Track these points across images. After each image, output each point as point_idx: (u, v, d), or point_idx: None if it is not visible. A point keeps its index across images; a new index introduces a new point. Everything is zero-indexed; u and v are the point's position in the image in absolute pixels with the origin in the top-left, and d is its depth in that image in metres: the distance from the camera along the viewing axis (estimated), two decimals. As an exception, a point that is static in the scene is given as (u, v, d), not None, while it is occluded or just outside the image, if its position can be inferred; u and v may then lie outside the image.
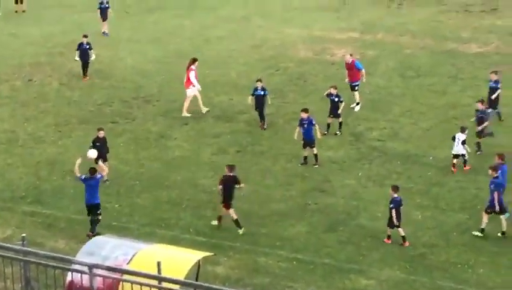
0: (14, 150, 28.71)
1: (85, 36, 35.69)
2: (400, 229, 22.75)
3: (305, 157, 27.79)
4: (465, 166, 26.93)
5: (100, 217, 23.02)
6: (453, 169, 26.78)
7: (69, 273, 13.77)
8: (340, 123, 30.09)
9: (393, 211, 22.67)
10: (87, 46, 35.45)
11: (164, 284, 12.46)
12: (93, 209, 22.98)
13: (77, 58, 35.44)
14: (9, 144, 29.10)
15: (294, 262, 22.09)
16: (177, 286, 12.91)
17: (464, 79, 35.37)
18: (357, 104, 32.02)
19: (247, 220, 24.18)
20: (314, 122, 27.91)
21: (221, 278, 21.02)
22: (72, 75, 36.36)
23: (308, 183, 26.40)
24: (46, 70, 36.97)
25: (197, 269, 18.14)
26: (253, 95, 30.57)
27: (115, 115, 31.83)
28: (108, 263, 14.94)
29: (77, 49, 35.48)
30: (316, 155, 27.71)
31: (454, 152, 26.84)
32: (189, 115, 31.64)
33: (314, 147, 27.74)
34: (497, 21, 44.10)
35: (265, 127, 30.45)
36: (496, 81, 30.34)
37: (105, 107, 32.76)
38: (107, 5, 42.12)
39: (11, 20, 45.62)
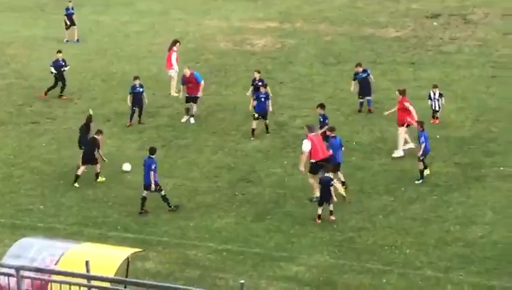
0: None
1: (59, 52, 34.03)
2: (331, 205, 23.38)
3: (253, 131, 28.75)
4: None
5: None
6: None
7: (-4, 277, 13.56)
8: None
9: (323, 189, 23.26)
10: (62, 63, 33.57)
11: (94, 283, 12.37)
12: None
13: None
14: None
15: (224, 253, 22.16)
16: (107, 284, 12.82)
17: (383, 63, 35.90)
18: (191, 116, 30.42)
19: (175, 213, 24.15)
20: (270, 96, 29.24)
21: (152, 274, 20.97)
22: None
23: (234, 174, 26.49)
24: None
25: (127, 266, 18.06)
26: (131, 93, 30.33)
27: (36, 115, 31.40)
28: (35, 265, 14.77)
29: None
30: (267, 126, 29.08)
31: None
32: (177, 94, 31.92)
33: (267, 118, 29.03)
34: (412, 5, 44.79)
35: (142, 123, 30.37)
36: (364, 71, 30.86)
37: (25, 107, 32.30)
38: (72, 11, 40.53)
39: None
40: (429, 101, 29.20)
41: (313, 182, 24.42)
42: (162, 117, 31.05)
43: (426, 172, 25.58)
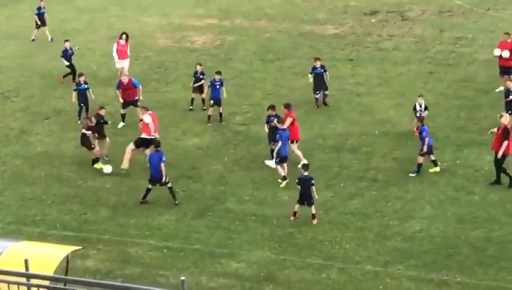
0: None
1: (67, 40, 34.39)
2: (312, 207, 23.18)
3: (209, 117, 29.47)
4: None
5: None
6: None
7: None
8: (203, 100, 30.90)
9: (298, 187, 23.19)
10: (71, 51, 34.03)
11: (33, 281, 12.29)
12: None
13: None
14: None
15: (165, 250, 22.16)
16: (46, 282, 12.73)
17: (323, 60, 36.00)
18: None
19: (115, 211, 24.06)
20: (223, 84, 30.05)
21: (92, 271, 20.89)
22: None
23: (175, 170, 26.42)
24: None
25: (66, 264, 17.93)
26: (75, 90, 30.19)
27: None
28: (-27, 264, 14.57)
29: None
30: (221, 114, 29.75)
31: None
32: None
33: (221, 106, 29.72)
34: (350, 2, 45.17)
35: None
36: (322, 66, 31.17)
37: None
38: (44, 10, 39.74)
39: None
40: (413, 111, 28.14)
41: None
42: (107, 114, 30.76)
43: (435, 169, 25.63)
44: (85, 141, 26.65)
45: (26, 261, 13.13)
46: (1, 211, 24.20)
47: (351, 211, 23.89)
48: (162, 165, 24.14)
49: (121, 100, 29.82)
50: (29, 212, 24.11)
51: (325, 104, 31.16)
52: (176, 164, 26.93)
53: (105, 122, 27.72)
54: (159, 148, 24.54)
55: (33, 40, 39.39)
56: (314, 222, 23.10)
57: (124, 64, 33.46)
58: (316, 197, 23.33)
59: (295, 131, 26.71)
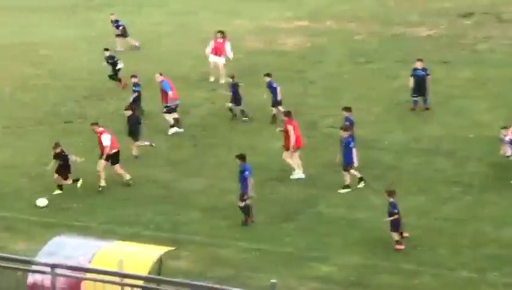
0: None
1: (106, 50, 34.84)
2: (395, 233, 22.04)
3: (274, 116, 29.51)
4: None
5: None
6: None
7: (30, 275, 13.71)
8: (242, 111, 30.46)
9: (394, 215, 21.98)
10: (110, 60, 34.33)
11: (127, 281, 12.44)
12: None
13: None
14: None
15: (255, 253, 22.18)
16: (140, 282, 12.88)
17: (413, 63, 35.68)
18: (171, 126, 29.77)
19: (206, 213, 24.20)
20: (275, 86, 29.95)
21: (183, 272, 21.00)
22: (24, 78, 35.98)
23: (265, 173, 26.39)
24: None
25: (159, 265, 18.12)
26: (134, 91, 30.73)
27: (70, 115, 31.55)
28: (70, 263, 14.86)
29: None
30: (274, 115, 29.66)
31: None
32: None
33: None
34: (444, 3, 44.48)
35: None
36: (424, 69, 30.46)
37: (59, 107, 32.45)
38: (121, 22, 39.17)
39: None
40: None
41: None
42: (192, 117, 31.05)
43: None
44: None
45: (120, 261, 13.34)
46: (97, 211, 24.60)
47: (444, 216, 23.48)
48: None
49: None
50: (123, 213, 24.45)
51: (426, 109, 30.45)
52: (266, 166, 26.90)
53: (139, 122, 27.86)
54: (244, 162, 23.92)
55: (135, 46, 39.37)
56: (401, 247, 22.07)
57: (216, 59, 34.15)
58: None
59: (297, 139, 26.09)
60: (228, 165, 26.98)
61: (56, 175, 25.56)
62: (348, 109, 27.42)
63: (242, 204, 23.44)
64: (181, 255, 21.79)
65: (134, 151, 27.72)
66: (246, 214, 23.50)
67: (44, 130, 29.66)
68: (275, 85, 30.15)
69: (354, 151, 25.22)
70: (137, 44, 39.19)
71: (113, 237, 21.29)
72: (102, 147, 26.02)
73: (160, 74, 30.35)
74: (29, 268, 12.23)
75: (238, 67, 36.31)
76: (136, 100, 30.64)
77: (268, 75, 30.51)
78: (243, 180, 23.46)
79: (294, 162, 26.15)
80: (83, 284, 14.80)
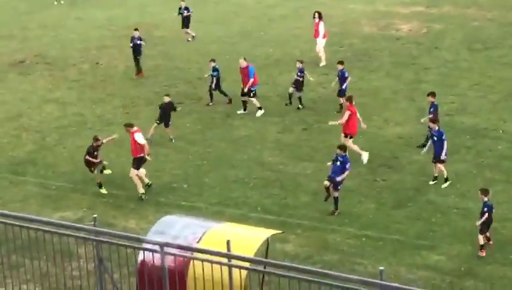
0: (83, 132, 29.02)
1: (136, 29, 34.79)
2: (481, 236, 21.04)
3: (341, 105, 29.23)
4: None
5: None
6: None
7: (141, 252, 13.90)
8: (300, 98, 30.20)
9: (486, 215, 20.92)
10: (139, 41, 34.32)
11: (234, 262, 12.49)
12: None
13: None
14: (78, 127, 29.44)
15: (363, 239, 21.98)
16: (247, 264, 12.91)
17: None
18: (259, 108, 30.11)
19: (314, 197, 24.13)
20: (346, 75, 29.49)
21: (290, 256, 21.02)
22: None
23: (375, 159, 26.18)
24: (112, 53, 37.30)
25: (266, 247, 18.15)
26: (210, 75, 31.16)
27: (181, 96, 31.95)
28: (178, 242, 15.03)
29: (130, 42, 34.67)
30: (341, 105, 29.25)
31: None
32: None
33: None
34: None
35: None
36: None
37: (171, 88, 32.89)
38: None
39: (75, 4, 46.09)
40: None
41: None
42: (305, 101, 30.94)
43: None
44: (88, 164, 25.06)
45: (228, 242, 13.39)
46: (205, 192, 24.84)
47: (560, 208, 22.74)
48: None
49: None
50: (231, 195, 24.61)
51: None
52: (377, 152, 26.66)
53: (174, 109, 28.05)
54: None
55: (188, 40, 38.55)
56: (490, 243, 21.29)
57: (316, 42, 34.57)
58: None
59: (352, 125, 25.73)
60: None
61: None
62: (433, 95, 26.60)
63: (336, 194, 23.22)
64: (288, 239, 21.79)
65: (171, 134, 28.07)
66: (336, 204, 23.24)
67: (155, 110, 30.03)
68: (346, 74, 29.62)
69: (445, 144, 24.34)
70: (194, 34, 38.56)
71: (221, 218, 21.48)
72: (136, 147, 24.58)
73: (245, 59, 30.31)
74: (139, 246, 12.40)
75: (352, 51, 36.07)
76: (217, 84, 30.95)
77: (341, 62, 30.00)
78: (341, 170, 23.15)
79: (353, 147, 25.78)
80: (191, 263, 14.95)
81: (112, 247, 12.43)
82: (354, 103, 26.15)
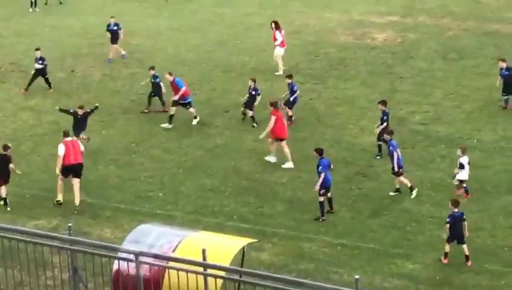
0: (58, 140, 28.82)
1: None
2: (464, 246, 21.08)
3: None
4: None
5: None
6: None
7: (116, 262, 13.85)
8: (253, 117, 29.81)
9: (448, 226, 20.95)
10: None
11: (210, 271, 12.48)
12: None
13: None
14: (53, 135, 29.28)
15: (339, 247, 22.04)
16: (222, 273, 12.90)
17: (509, 60, 34.91)
18: (194, 117, 30.08)
19: (290, 206, 24.16)
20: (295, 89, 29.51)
21: (266, 265, 21.03)
22: (112, 65, 36.50)
23: (351, 168, 26.28)
24: (87, 62, 37.18)
25: (242, 256, 18.15)
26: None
27: (157, 104, 31.86)
28: (154, 251, 14.98)
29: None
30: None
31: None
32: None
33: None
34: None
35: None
36: (509, 68, 29.84)
37: (146, 96, 32.77)
38: (114, 27, 36.93)
39: (51, 12, 45.91)
40: None
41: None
42: (280, 109, 30.92)
43: None
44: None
45: (204, 250, 13.36)
46: (181, 200, 24.80)
47: (535, 217, 22.92)
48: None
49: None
50: (207, 203, 24.58)
51: None
52: (352, 161, 26.77)
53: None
54: (322, 157, 23.71)
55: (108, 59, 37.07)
56: (469, 264, 21.05)
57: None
58: (466, 235, 21.15)
59: (279, 129, 26.35)
60: (314, 158, 26.85)
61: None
62: (383, 103, 26.96)
63: (320, 199, 23.32)
64: (264, 248, 21.80)
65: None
66: (321, 210, 23.31)
67: (131, 119, 30.02)
68: (295, 88, 29.69)
69: (395, 155, 24.40)
70: (124, 53, 37.28)
71: (197, 226, 21.45)
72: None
73: (170, 74, 30.22)
74: (114, 255, 12.36)
75: (328, 60, 36.17)
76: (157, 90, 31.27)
77: (289, 76, 30.05)
78: (319, 175, 23.31)
79: (273, 149, 26.62)
80: (167, 272, 14.92)
81: (86, 256, 12.38)
82: (279, 108, 26.83)
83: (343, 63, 35.91)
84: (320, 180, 23.28)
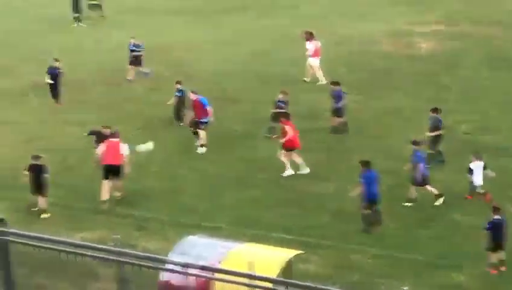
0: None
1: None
2: (502, 252, 20.95)
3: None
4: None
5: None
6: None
7: (162, 273, 13.80)
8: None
9: (489, 232, 20.81)
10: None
11: (257, 283, 12.34)
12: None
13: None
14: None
15: (386, 258, 21.77)
16: (269, 284, 12.76)
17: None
18: (201, 145, 28.96)
19: (335, 217, 23.96)
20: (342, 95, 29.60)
21: (312, 276, 20.77)
22: (156, 78, 36.62)
23: (396, 178, 25.97)
24: (130, 75, 37.30)
25: (289, 268, 18.00)
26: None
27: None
28: (200, 263, 14.88)
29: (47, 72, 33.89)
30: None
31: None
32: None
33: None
34: None
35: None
36: None
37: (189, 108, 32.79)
38: (134, 47, 36.61)
39: (95, 27, 46.25)
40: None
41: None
42: (324, 120, 30.83)
43: None
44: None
45: (250, 262, 13.25)
46: (225, 212, 24.71)
47: None
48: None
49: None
50: (251, 214, 24.46)
51: None
52: (398, 171, 26.45)
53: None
54: (370, 169, 23.54)
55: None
56: (503, 268, 20.85)
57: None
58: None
59: (292, 140, 26.50)
60: (359, 169, 26.61)
61: None
62: (435, 111, 26.87)
63: (364, 211, 23.13)
64: (310, 259, 21.60)
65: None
66: (364, 222, 23.08)
67: (173, 131, 30.04)
68: (342, 94, 29.63)
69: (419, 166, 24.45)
70: (148, 71, 36.81)
71: (241, 238, 21.31)
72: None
73: (194, 92, 29.60)
74: (162, 267, 12.28)
75: (372, 71, 35.95)
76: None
77: (337, 83, 29.88)
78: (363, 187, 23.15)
79: (298, 160, 26.71)
80: (213, 284, 14.82)
81: (133, 268, 12.31)
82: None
83: (388, 73, 35.65)
84: (357, 190, 23.02)
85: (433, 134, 26.60)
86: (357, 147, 28.49)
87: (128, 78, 36.27)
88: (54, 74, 33.37)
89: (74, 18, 46.40)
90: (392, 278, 20.71)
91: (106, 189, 24.90)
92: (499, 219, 20.86)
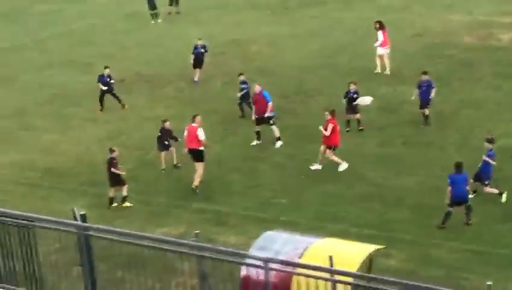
0: (183, 150, 29.16)
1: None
2: None
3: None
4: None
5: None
6: None
7: (243, 268, 13.81)
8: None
9: None
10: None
11: (337, 277, 12.26)
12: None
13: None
14: (178, 144, 29.59)
15: (469, 253, 21.43)
16: (350, 279, 12.66)
17: None
18: (278, 139, 28.86)
19: (416, 211, 23.67)
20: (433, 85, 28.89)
21: (393, 271, 20.58)
22: (234, 73, 36.68)
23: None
24: (208, 70, 37.44)
25: (370, 262, 17.85)
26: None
27: (277, 110, 31.80)
28: (280, 257, 14.88)
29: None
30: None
31: None
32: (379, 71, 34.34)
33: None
34: None
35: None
36: None
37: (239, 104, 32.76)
38: (201, 50, 36.09)
39: (173, 23, 46.58)
40: None
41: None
42: (404, 114, 30.50)
43: None
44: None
45: (331, 257, 13.19)
46: (304, 206, 24.64)
47: None
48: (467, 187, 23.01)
49: (253, 117, 29.14)
50: (331, 209, 24.35)
51: None
52: (476, 165, 25.96)
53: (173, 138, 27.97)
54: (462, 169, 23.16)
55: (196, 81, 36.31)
56: None
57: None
58: None
59: (335, 137, 26.38)
60: (440, 163, 26.27)
61: None
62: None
63: (448, 209, 22.75)
64: (391, 254, 21.40)
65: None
66: (444, 219, 22.69)
67: (251, 125, 30.02)
68: (433, 84, 29.09)
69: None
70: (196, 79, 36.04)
71: (321, 233, 21.21)
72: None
73: (258, 85, 29.64)
74: (243, 261, 12.29)
75: (452, 63, 35.39)
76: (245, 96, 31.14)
77: (425, 73, 29.40)
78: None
79: (333, 158, 26.60)
80: (294, 279, 14.77)
81: (214, 262, 12.34)
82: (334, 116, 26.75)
83: (468, 65, 35.05)
84: (448, 194, 22.66)
85: None
86: (437, 141, 28.10)
87: (195, 79, 36.37)
88: (103, 82, 33.68)
89: (151, 15, 46.84)
90: (476, 274, 20.39)
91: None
92: None
